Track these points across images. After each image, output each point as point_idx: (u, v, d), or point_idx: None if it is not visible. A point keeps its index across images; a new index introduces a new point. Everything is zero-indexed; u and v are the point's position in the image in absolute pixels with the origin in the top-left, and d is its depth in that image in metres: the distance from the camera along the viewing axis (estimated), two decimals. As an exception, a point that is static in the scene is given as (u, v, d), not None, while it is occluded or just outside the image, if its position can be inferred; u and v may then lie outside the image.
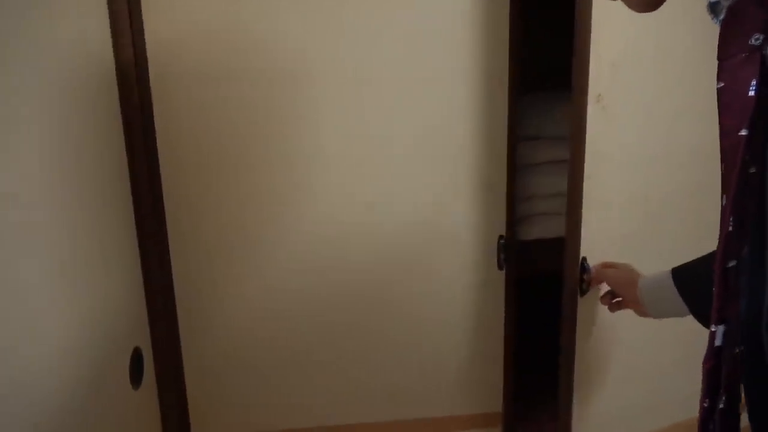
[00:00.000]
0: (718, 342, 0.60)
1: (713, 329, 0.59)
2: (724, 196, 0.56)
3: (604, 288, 1.19)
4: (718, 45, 0.55)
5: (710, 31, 0.58)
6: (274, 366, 1.35)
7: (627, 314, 1.16)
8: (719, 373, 0.61)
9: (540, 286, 1.63)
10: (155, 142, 1.18)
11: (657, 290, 1.00)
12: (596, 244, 1.20)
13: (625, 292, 1.09)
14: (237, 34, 1.17)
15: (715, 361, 0.60)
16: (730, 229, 0.56)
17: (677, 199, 1.32)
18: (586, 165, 1.12)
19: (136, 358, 1.10)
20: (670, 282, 0.97)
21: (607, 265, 1.17)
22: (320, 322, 1.35)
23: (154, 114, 1.16)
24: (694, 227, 1.02)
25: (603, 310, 1.27)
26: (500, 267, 1.39)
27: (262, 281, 1.31)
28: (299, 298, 1.33)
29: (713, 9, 0.57)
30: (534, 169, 1.62)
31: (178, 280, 1.25)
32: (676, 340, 1.25)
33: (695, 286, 0.93)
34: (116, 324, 1.05)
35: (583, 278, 1.20)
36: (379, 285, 1.35)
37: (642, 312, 1.05)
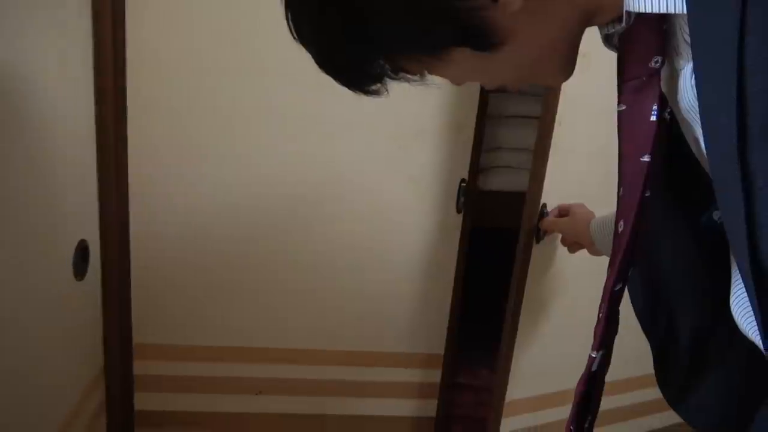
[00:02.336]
0: (594, 367, 0.60)
1: (593, 355, 0.60)
2: (622, 222, 0.56)
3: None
4: (617, 68, 0.54)
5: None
6: (220, 281, 1.34)
7: (578, 267, 1.18)
8: (590, 398, 0.63)
9: (495, 237, 1.65)
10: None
11: (605, 227, 1.04)
12: (557, 192, 1.22)
13: (579, 237, 1.11)
14: None
15: (587, 387, 0.62)
16: (623, 255, 0.56)
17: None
18: (558, 111, 1.12)
19: (81, 250, 1.08)
20: None
21: (563, 209, 1.19)
22: (271, 248, 1.34)
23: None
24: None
25: (554, 259, 1.30)
26: (458, 210, 1.40)
27: (215, 193, 1.28)
28: (251, 217, 1.31)
29: (608, 40, 0.55)
30: (504, 121, 1.63)
31: (133, 181, 1.22)
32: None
33: None
34: (64, 216, 1.02)
35: (539, 226, 1.22)
36: (333, 216, 1.34)
37: (595, 251, 1.08)
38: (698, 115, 0.45)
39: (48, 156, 0.96)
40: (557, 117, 1.14)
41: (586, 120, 1.19)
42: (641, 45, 0.51)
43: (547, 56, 0.54)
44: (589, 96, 1.16)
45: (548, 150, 1.15)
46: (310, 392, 1.46)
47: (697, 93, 0.45)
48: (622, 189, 0.56)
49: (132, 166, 1.19)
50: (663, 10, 0.46)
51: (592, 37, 0.55)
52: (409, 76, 0.54)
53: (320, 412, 1.48)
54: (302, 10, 0.51)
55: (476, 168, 1.40)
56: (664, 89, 0.52)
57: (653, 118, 0.52)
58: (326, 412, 1.48)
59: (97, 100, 1.08)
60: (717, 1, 0.42)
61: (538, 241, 1.23)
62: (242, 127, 1.25)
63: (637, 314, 0.66)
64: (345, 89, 0.55)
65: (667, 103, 0.52)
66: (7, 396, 0.87)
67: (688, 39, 0.44)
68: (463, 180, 1.37)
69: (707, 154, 0.45)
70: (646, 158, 0.53)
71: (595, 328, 0.60)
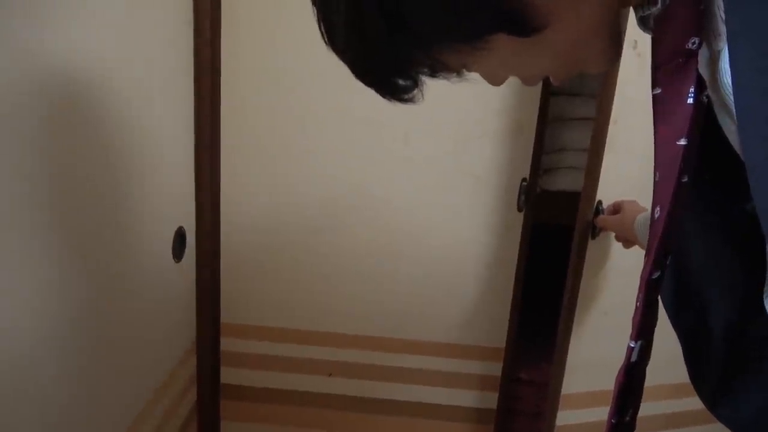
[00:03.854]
0: (634, 358, 0.59)
1: (632, 345, 0.59)
2: (658, 208, 0.54)
3: None
4: (652, 51, 0.53)
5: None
6: (301, 269, 1.47)
7: (634, 263, 1.22)
8: (629, 390, 0.62)
9: (557, 236, 1.70)
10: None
11: (647, 225, 1.07)
12: (613, 190, 1.27)
13: (627, 233, 1.14)
14: None
15: (627, 378, 0.61)
16: (661, 240, 0.54)
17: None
18: (613, 109, 1.18)
19: (179, 236, 1.23)
20: None
21: (617, 206, 1.23)
22: (347, 240, 1.45)
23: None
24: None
25: (612, 256, 1.34)
26: (519, 209, 1.47)
27: (300, 192, 1.41)
28: (327, 209, 1.43)
29: (643, 22, 0.54)
30: (568, 123, 1.68)
31: (225, 175, 1.37)
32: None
33: None
34: (164, 206, 1.18)
35: (594, 223, 1.28)
36: (404, 211, 1.44)
37: (644, 246, 1.12)
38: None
39: (153, 153, 1.11)
40: (613, 116, 1.19)
41: (642, 119, 1.22)
42: (677, 26, 0.49)
43: (588, 39, 0.52)
44: (645, 95, 1.21)
45: (603, 148, 1.21)
46: (376, 377, 1.55)
47: (731, 72, 0.43)
48: (657, 174, 0.54)
49: (224, 165, 1.35)
50: None
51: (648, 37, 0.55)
52: (447, 74, 0.54)
53: (386, 397, 1.57)
54: (336, 13, 0.50)
55: (537, 167, 1.46)
56: (702, 72, 0.49)
57: (690, 100, 0.50)
58: (392, 397, 1.57)
59: (196, 103, 1.24)
60: None
61: (593, 237, 1.29)
62: (318, 129, 1.38)
63: (664, 304, 0.65)
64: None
65: (704, 86, 0.50)
66: (110, 364, 1.01)
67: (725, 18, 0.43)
68: (524, 179, 1.44)
69: (740, 136, 0.43)
70: (682, 141, 0.51)
71: (633, 317, 0.59)
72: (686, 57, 0.49)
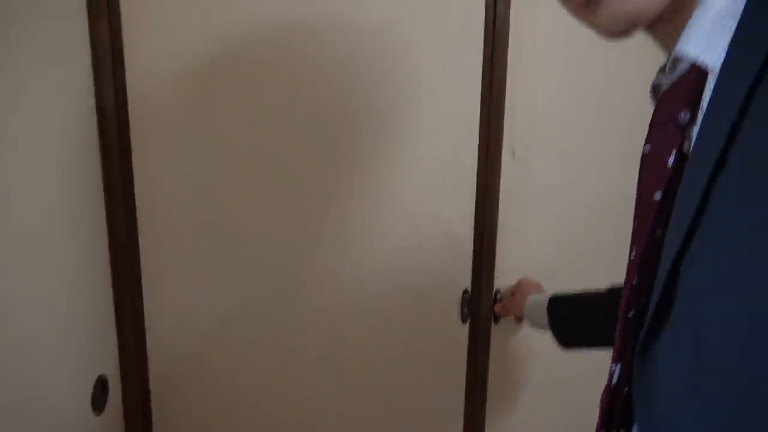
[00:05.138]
0: (614, 380, 0.62)
1: (613, 368, 0.62)
2: (634, 249, 0.59)
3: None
4: (653, 112, 0.59)
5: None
6: (235, 393, 1.35)
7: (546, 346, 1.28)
8: (613, 411, 0.64)
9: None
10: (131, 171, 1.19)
11: (535, 309, 1.26)
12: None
13: (519, 311, 1.35)
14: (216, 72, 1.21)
15: (610, 398, 0.63)
16: (635, 282, 0.59)
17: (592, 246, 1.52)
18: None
19: (101, 385, 1.11)
20: (545, 308, 1.23)
21: (512, 290, 1.41)
22: (294, 358, 1.36)
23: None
24: (605, 274, 1.10)
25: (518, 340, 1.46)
26: (464, 320, 1.45)
27: (225, 308, 1.33)
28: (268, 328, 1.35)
29: (654, 91, 0.60)
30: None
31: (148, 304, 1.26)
32: (591, 373, 1.30)
33: (562, 316, 1.20)
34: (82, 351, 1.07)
35: (494, 310, 1.45)
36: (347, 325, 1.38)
37: (518, 320, 1.38)
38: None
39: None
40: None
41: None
42: (677, 96, 0.56)
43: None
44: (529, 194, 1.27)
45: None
46: None
47: (692, 146, 0.50)
48: (635, 222, 0.60)
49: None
50: (700, 60, 0.52)
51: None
52: None
53: None
54: None
55: (478, 278, 1.47)
56: (686, 145, 0.56)
57: (670, 163, 0.55)
58: None
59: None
60: (736, 75, 0.47)
61: (496, 322, 1.47)
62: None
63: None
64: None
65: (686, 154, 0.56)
66: None
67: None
68: (465, 290, 1.44)
69: (679, 198, 0.52)
70: (657, 196, 0.56)
71: (614, 341, 0.61)
72: (676, 126, 0.56)
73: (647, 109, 0.62)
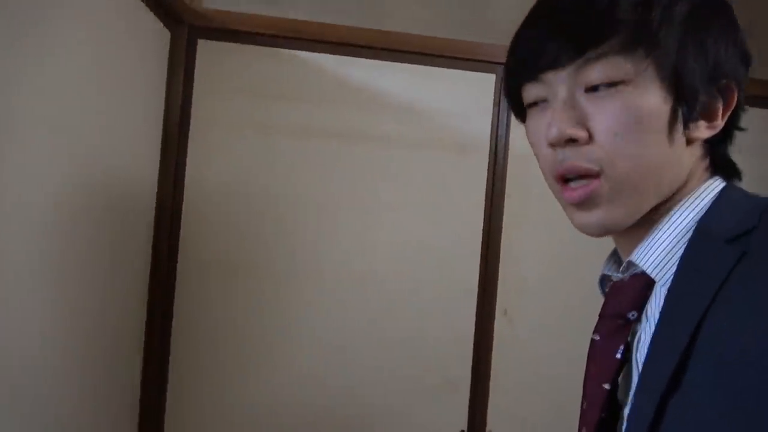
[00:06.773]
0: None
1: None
2: (584, 429, 0.63)
3: None
4: (603, 303, 0.64)
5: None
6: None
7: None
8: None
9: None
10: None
11: None
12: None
13: None
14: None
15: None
16: None
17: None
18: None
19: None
20: None
21: None
22: None
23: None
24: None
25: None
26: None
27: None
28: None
29: (601, 282, 0.66)
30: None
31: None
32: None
33: None
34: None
35: None
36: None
37: None
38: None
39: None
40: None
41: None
42: (626, 295, 0.61)
43: (656, 173, 0.58)
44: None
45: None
46: None
47: (647, 353, 0.55)
48: (585, 402, 0.63)
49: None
50: (654, 274, 0.57)
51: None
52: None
53: None
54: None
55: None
56: (630, 338, 0.60)
57: (618, 356, 0.60)
58: None
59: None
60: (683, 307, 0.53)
61: None
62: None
63: None
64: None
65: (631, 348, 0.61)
66: None
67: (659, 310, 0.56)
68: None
69: (633, 399, 0.57)
70: (606, 386, 0.60)
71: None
72: (624, 322, 0.60)
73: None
